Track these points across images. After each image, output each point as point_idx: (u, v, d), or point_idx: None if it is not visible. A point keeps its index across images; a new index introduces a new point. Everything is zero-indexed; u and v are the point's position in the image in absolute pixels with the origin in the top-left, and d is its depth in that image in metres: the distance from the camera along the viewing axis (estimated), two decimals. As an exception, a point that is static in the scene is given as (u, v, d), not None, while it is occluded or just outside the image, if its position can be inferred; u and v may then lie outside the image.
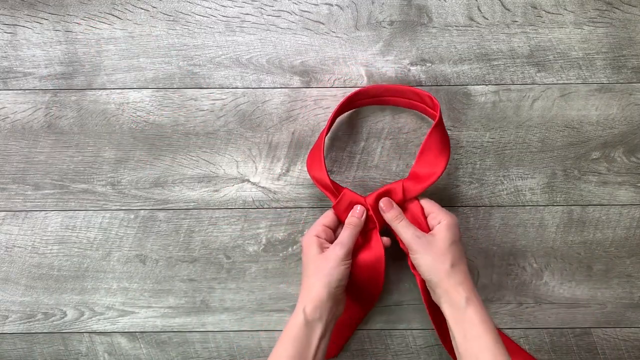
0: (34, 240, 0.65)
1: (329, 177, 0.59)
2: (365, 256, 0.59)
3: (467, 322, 0.53)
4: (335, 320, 0.57)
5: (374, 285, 0.60)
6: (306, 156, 0.65)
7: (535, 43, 0.64)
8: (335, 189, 0.59)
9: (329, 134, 0.64)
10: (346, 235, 0.57)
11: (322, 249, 0.57)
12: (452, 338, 0.54)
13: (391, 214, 0.58)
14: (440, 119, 0.58)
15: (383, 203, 0.58)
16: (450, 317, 0.54)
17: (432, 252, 0.55)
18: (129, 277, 0.65)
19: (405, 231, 0.57)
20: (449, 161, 0.59)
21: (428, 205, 0.59)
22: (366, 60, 0.64)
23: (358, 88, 0.63)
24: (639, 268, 0.65)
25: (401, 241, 0.58)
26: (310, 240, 0.57)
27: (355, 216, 0.58)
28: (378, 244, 0.59)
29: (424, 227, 0.58)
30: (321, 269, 0.55)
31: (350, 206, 0.59)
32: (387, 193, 0.59)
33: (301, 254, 0.61)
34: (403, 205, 0.59)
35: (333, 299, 0.55)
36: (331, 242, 0.58)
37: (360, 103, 0.64)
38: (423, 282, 0.57)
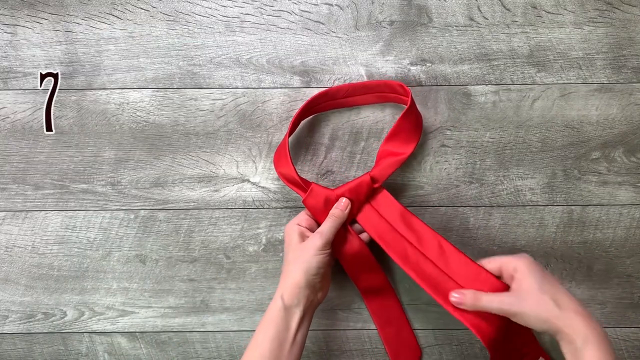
0: (34, 240, 0.65)
1: (297, 173, 0.59)
2: (348, 249, 0.60)
3: None
4: (314, 308, 0.58)
5: (374, 270, 0.62)
6: (306, 157, 0.65)
7: (535, 43, 0.64)
8: (304, 184, 0.60)
9: (329, 134, 0.65)
10: (327, 225, 0.57)
11: (303, 237, 0.58)
12: None
13: (470, 299, 0.52)
14: (412, 103, 0.60)
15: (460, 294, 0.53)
16: (567, 355, 0.50)
17: (528, 306, 0.50)
18: (129, 277, 0.65)
19: (492, 303, 0.51)
20: (418, 142, 0.61)
21: (493, 262, 0.55)
22: (366, 60, 0.64)
23: (326, 88, 0.63)
24: (639, 268, 0.65)
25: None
26: (291, 228, 0.58)
27: (340, 208, 0.58)
28: (353, 236, 0.60)
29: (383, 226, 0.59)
30: (300, 257, 0.56)
31: (319, 199, 0.59)
32: (356, 187, 0.59)
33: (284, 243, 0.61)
34: (373, 195, 0.60)
35: (310, 287, 0.56)
36: (313, 231, 0.59)
37: (325, 106, 0.64)
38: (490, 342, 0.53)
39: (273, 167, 0.65)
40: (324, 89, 0.63)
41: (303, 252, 0.56)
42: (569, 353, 0.50)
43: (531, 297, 0.50)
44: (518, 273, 0.52)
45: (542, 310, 0.50)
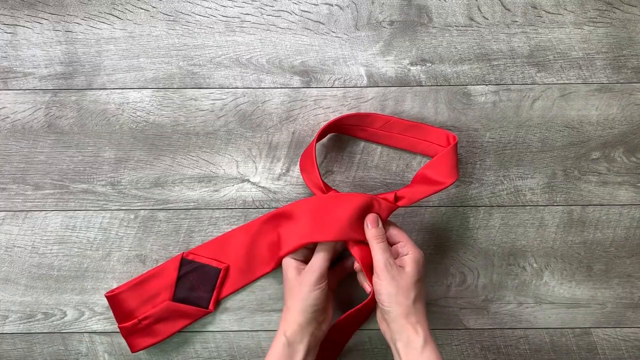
0: (34, 240, 0.65)
1: (322, 180, 0.59)
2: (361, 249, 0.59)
3: None
4: (319, 341, 0.58)
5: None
6: (306, 156, 0.65)
7: (535, 43, 0.64)
8: (326, 189, 0.60)
9: (329, 134, 0.65)
10: (317, 259, 0.57)
11: (299, 270, 0.58)
12: None
13: (373, 232, 0.56)
14: (456, 145, 0.59)
15: (369, 219, 0.57)
16: (403, 355, 0.53)
17: (397, 285, 0.54)
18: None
19: (380, 254, 0.55)
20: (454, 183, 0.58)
21: (397, 233, 0.58)
22: (366, 60, 0.64)
23: (368, 112, 0.63)
24: (639, 268, 0.65)
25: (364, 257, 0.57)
26: (287, 262, 0.58)
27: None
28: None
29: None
30: (297, 294, 0.56)
31: None
32: (378, 199, 0.58)
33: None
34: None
35: (312, 323, 0.56)
36: (306, 261, 0.58)
37: (356, 130, 0.64)
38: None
39: (274, 168, 0.65)
40: (363, 112, 0.62)
41: (299, 289, 0.56)
42: (405, 354, 0.53)
43: (404, 281, 0.54)
44: (409, 259, 0.55)
45: (401, 296, 0.54)
